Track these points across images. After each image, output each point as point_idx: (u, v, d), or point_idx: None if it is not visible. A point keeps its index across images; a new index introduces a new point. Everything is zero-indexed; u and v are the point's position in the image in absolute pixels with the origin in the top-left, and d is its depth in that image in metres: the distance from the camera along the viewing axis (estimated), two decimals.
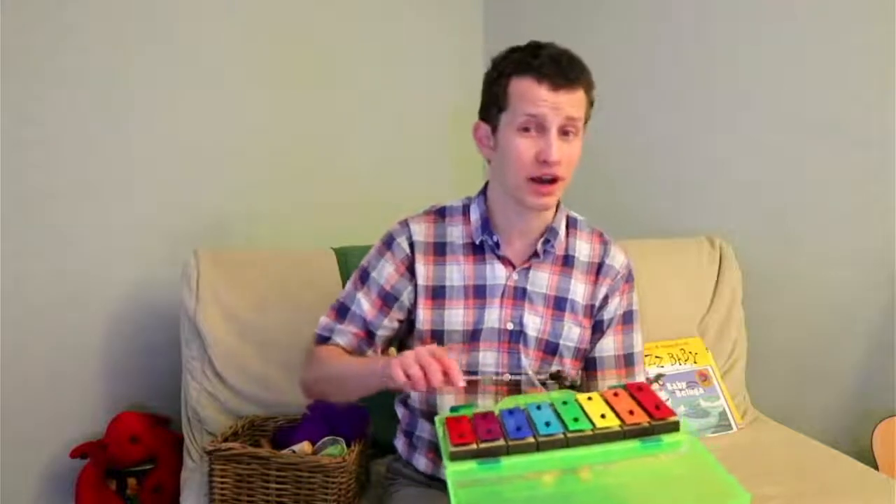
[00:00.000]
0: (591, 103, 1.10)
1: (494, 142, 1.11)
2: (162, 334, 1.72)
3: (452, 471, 0.86)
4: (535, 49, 1.06)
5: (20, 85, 1.58)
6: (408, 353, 0.94)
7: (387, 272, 1.16)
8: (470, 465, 0.87)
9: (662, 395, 1.74)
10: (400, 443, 1.27)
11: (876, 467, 1.61)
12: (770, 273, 1.93)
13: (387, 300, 1.17)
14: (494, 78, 1.09)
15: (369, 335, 1.18)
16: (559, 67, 1.04)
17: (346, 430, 1.34)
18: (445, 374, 0.92)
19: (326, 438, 1.33)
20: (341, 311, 1.19)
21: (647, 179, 2.17)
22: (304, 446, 1.31)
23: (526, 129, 1.05)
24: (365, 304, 1.17)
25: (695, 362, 1.81)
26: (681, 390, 1.76)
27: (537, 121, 1.04)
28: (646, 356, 1.77)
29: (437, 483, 1.17)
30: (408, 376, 0.92)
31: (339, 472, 1.22)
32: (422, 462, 1.22)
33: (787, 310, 1.91)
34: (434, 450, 1.19)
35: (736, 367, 1.87)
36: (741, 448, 1.64)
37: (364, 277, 1.19)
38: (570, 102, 1.04)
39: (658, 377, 1.77)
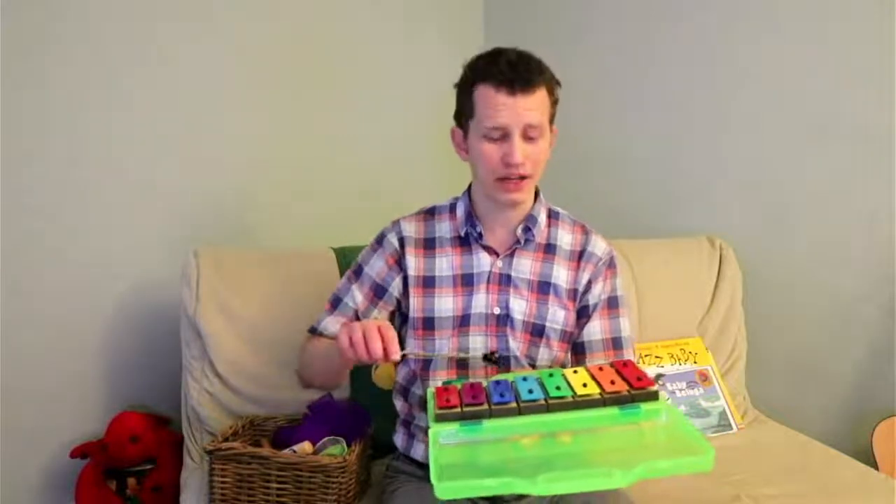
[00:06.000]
0: (554, 101, 1.16)
1: (467, 146, 1.19)
2: (162, 334, 1.72)
3: (435, 430, 0.91)
4: (495, 56, 1.12)
5: (20, 85, 1.58)
6: (356, 323, 1.02)
7: (378, 266, 1.25)
8: (453, 426, 0.92)
9: (662, 395, 1.74)
10: (399, 436, 1.30)
11: (876, 467, 1.61)
12: (770, 273, 1.93)
13: (377, 292, 1.25)
14: (461, 86, 1.17)
15: None
16: (516, 72, 1.09)
17: (346, 430, 1.34)
18: (384, 347, 0.98)
19: (327, 438, 1.32)
20: (335, 303, 1.27)
21: (647, 180, 2.17)
22: (305, 446, 1.31)
23: (491, 137, 1.12)
24: (358, 296, 1.25)
25: (695, 362, 1.81)
26: (681, 390, 1.76)
27: (499, 131, 1.11)
28: (646, 356, 1.78)
29: None
30: (351, 343, 0.99)
31: (340, 472, 1.22)
32: (420, 450, 1.25)
33: (787, 310, 1.91)
34: None
35: (736, 367, 1.87)
36: (741, 448, 1.64)
37: (358, 272, 1.28)
38: (529, 105, 1.10)
39: (658, 377, 1.77)
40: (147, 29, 1.74)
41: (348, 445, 1.30)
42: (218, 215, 1.91)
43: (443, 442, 0.90)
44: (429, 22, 2.32)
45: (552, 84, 1.14)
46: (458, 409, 0.93)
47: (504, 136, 1.11)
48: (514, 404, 0.93)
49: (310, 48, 2.05)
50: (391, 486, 1.27)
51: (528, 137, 1.12)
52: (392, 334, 1.00)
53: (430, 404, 0.96)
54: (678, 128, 2.08)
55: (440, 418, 0.93)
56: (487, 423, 0.92)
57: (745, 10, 1.91)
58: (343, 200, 2.11)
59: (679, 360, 1.80)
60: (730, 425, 1.74)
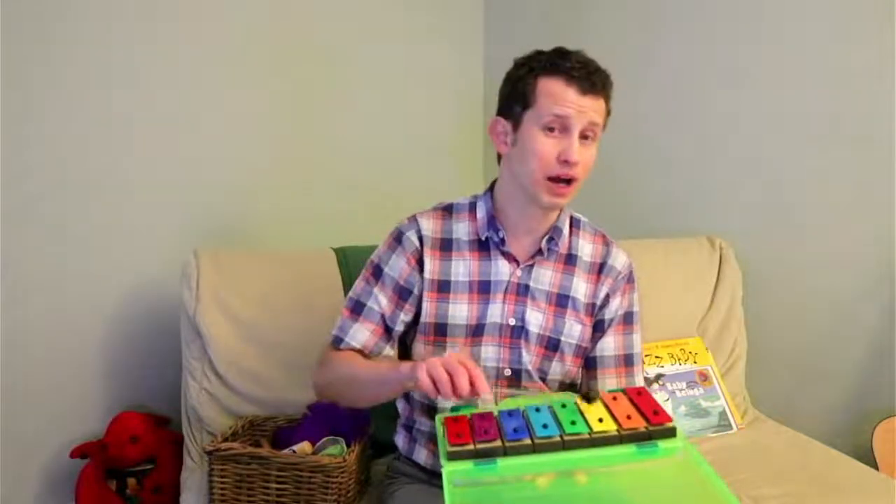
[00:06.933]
0: (608, 112, 1.13)
1: (514, 138, 1.12)
2: (162, 334, 1.72)
3: (449, 470, 0.87)
4: (562, 53, 1.09)
5: (21, 85, 1.58)
6: (434, 359, 0.94)
7: (399, 266, 1.18)
8: (466, 465, 0.88)
9: (662, 395, 1.74)
10: (400, 438, 1.28)
11: (876, 467, 1.61)
12: (770, 273, 1.93)
13: (402, 294, 1.18)
14: (521, 76, 1.11)
15: (387, 331, 1.18)
16: (588, 73, 1.07)
17: (346, 430, 1.34)
18: (472, 383, 0.92)
19: (326, 438, 1.32)
20: (357, 309, 1.19)
21: (647, 179, 2.17)
22: (304, 446, 1.31)
23: (550, 129, 1.07)
24: (382, 300, 1.18)
25: (695, 362, 1.81)
26: (681, 390, 1.76)
27: (562, 122, 1.07)
28: (646, 356, 1.78)
29: (437, 479, 1.16)
30: (434, 381, 0.92)
31: (339, 472, 1.22)
32: (422, 455, 1.23)
33: (787, 309, 1.91)
34: (434, 441, 1.20)
35: (736, 366, 1.87)
36: (741, 448, 1.64)
37: (377, 273, 1.19)
38: (594, 108, 1.08)
39: (658, 377, 1.77)
40: (147, 29, 1.74)
41: (348, 445, 1.30)
42: (218, 215, 1.91)
43: (457, 484, 0.86)
44: (429, 24, 2.32)
45: (611, 96, 1.12)
46: (472, 447, 0.89)
47: (564, 129, 1.07)
48: (528, 441, 0.89)
49: (310, 48, 2.05)
50: (392, 487, 1.26)
51: (584, 137, 1.08)
52: (478, 370, 0.94)
53: (442, 440, 0.92)
54: (678, 128, 2.08)
55: (452, 456, 0.88)
56: (502, 462, 0.88)
57: (745, 10, 1.91)
58: (343, 200, 2.11)
59: (679, 360, 1.80)
60: (730, 425, 1.74)
